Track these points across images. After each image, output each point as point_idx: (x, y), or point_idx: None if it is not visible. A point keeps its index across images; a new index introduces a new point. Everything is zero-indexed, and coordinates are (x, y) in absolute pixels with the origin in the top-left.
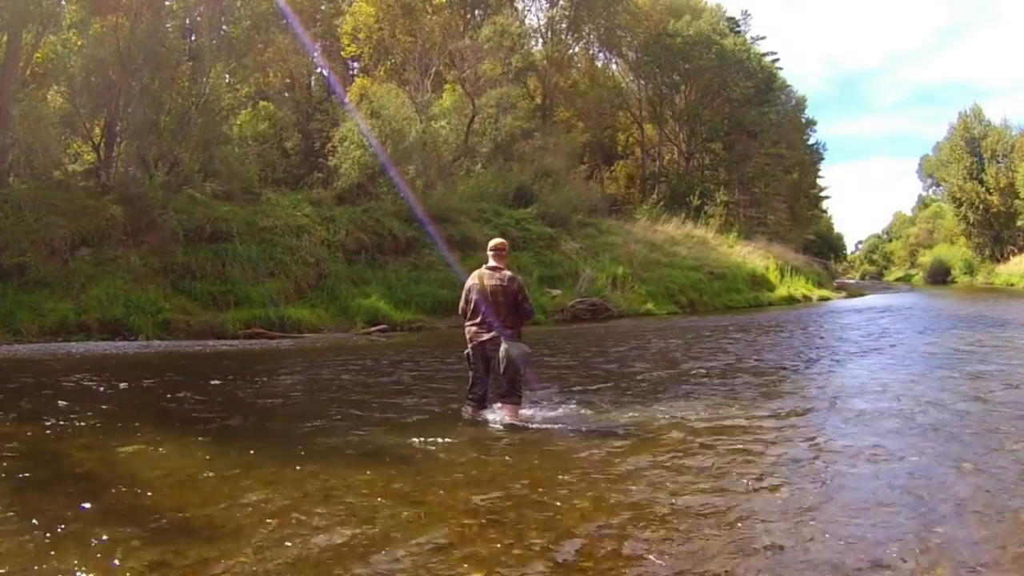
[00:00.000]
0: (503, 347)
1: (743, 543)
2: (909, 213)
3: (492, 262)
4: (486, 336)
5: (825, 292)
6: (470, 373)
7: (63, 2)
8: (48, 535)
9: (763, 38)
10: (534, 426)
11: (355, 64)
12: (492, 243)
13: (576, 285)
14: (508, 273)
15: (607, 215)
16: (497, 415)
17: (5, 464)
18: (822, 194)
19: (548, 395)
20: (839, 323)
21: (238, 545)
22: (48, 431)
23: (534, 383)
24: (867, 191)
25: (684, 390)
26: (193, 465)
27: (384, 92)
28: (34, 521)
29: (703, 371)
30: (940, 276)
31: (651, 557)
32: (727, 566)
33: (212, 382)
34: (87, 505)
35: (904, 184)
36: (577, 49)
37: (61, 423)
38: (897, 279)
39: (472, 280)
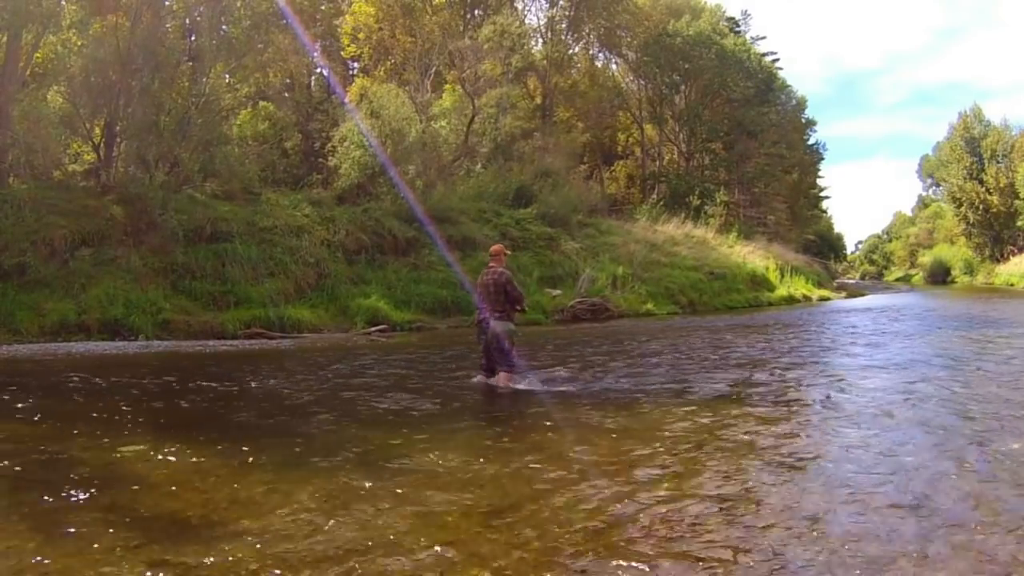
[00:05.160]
0: (491, 325)
1: (742, 542)
2: (909, 213)
3: (491, 263)
4: (480, 318)
5: (825, 292)
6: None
7: (63, 2)
8: (48, 535)
9: (763, 38)
10: (532, 407)
11: (355, 64)
12: (491, 248)
13: (576, 285)
14: (500, 269)
15: (607, 215)
16: (493, 380)
17: (5, 464)
18: (822, 194)
19: (551, 382)
20: (839, 323)
21: (238, 546)
22: (48, 431)
23: (528, 371)
24: (867, 191)
25: (683, 388)
26: (193, 465)
27: (384, 92)
28: (34, 521)
29: (702, 370)
30: (940, 276)
31: (652, 557)
32: (726, 565)
33: (212, 382)
34: (87, 505)
35: (904, 184)
36: (577, 49)
37: (61, 423)
38: (897, 279)
39: (479, 278)
